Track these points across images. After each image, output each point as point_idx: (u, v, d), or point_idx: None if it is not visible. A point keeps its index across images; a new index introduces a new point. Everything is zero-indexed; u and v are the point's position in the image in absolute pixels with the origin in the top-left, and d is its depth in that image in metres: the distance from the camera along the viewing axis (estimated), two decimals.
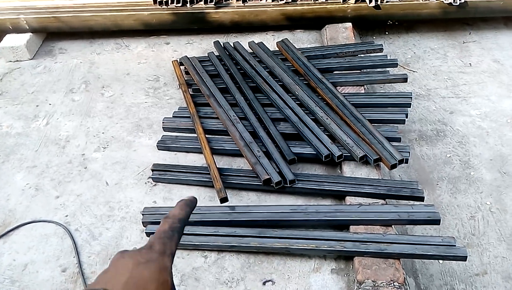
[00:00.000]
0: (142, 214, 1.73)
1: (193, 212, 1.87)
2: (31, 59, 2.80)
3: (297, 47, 2.52)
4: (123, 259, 0.51)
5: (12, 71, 2.71)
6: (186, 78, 2.44)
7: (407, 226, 1.83)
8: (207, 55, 2.59)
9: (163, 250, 0.53)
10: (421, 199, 1.70)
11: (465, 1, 2.77)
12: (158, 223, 1.67)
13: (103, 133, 2.21)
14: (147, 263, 0.50)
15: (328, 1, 2.78)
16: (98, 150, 2.12)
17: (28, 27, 2.83)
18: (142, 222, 1.71)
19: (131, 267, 0.50)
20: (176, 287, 0.59)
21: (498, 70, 2.68)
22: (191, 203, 0.63)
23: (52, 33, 2.96)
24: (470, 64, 2.75)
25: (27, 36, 2.82)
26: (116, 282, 0.48)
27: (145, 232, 1.68)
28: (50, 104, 2.42)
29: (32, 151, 2.13)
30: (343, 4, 2.77)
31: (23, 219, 1.81)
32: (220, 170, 1.85)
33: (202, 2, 2.80)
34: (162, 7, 2.79)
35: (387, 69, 2.37)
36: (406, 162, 1.83)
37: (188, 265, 1.58)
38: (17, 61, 2.78)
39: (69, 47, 2.90)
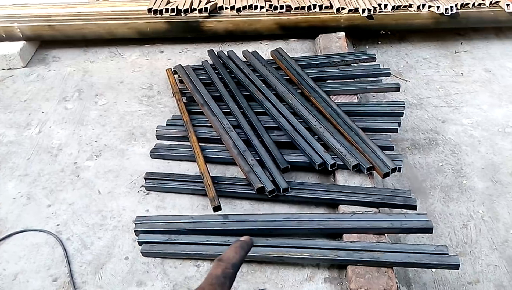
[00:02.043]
0: (135, 223, 1.71)
1: (185, 221, 1.84)
2: (24, 67, 2.80)
3: (290, 56, 2.54)
4: None
5: (5, 79, 2.70)
6: (180, 87, 2.44)
7: (400, 234, 1.83)
8: (201, 63, 2.60)
9: None
10: (414, 207, 1.71)
11: (456, 12, 2.81)
12: (150, 232, 1.67)
13: (96, 141, 2.20)
14: None
15: (322, 11, 2.81)
16: (91, 158, 2.11)
17: (21, 35, 2.82)
18: (135, 231, 1.70)
19: None
20: None
21: (489, 80, 2.71)
22: (247, 245, 0.60)
23: (46, 41, 2.96)
24: (461, 73, 2.78)
25: (20, 44, 2.81)
26: None
27: (137, 241, 1.67)
28: (42, 112, 2.41)
29: (24, 160, 2.12)
30: (336, 14, 2.79)
31: (14, 228, 1.79)
32: (213, 178, 1.85)
33: (197, 11, 2.81)
34: (157, 16, 2.80)
35: (380, 78, 2.39)
36: (399, 171, 1.84)
37: (180, 274, 1.57)
38: (10, 69, 2.78)
39: (63, 55, 2.90)
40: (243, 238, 0.60)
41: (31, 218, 1.83)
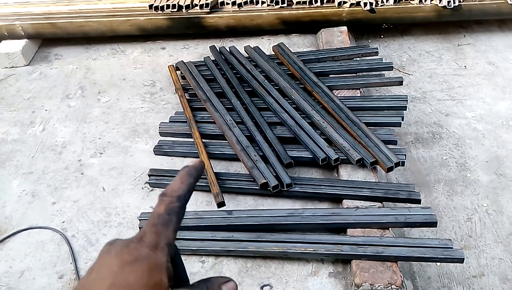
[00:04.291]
0: (139, 220, 1.72)
1: (189, 217, 1.84)
2: (27, 65, 2.80)
3: (292, 51, 2.53)
4: (108, 255, 0.43)
5: (8, 78, 2.71)
6: (182, 83, 2.44)
7: (404, 228, 1.83)
8: (203, 59, 2.59)
9: (155, 242, 0.43)
10: (418, 201, 1.71)
11: (459, 4, 2.79)
12: None
13: (99, 138, 2.21)
14: (134, 264, 0.41)
15: (324, 5, 2.79)
16: (95, 155, 2.11)
17: (23, 33, 2.82)
18: (139, 228, 1.71)
19: (115, 269, 0.41)
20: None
21: (492, 72, 2.69)
22: (196, 170, 0.49)
23: (48, 39, 2.96)
24: (465, 66, 2.77)
25: (22, 42, 2.82)
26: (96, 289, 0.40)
27: None
28: (46, 110, 2.42)
29: (28, 158, 2.13)
30: (338, 8, 2.78)
31: (19, 226, 1.80)
32: (217, 174, 1.85)
33: (198, 7, 2.81)
34: (158, 12, 2.80)
35: (383, 72, 2.38)
36: (403, 165, 1.83)
37: None
38: (13, 67, 2.78)
39: (65, 53, 2.90)
40: (192, 162, 0.50)
41: (36, 215, 1.84)
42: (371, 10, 2.78)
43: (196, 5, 2.81)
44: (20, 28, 2.80)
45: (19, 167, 2.08)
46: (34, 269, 1.64)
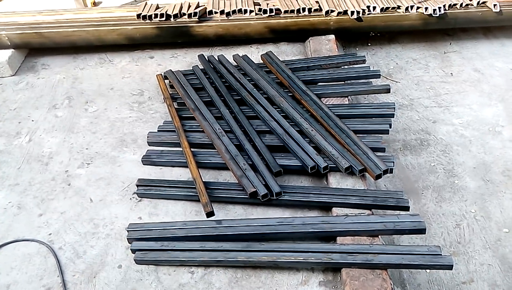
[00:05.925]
0: (127, 231, 1.70)
1: (178, 227, 1.83)
2: (13, 75, 2.77)
3: (281, 60, 2.54)
4: None
5: None
6: (170, 92, 2.44)
7: (393, 236, 1.84)
8: (191, 68, 2.59)
9: None
10: (407, 208, 1.71)
11: (445, 12, 2.83)
12: (143, 239, 1.66)
13: (87, 149, 2.19)
14: None
15: (311, 14, 2.81)
16: (82, 166, 2.09)
17: (10, 43, 2.80)
18: (128, 239, 1.69)
19: None
20: None
21: (478, 79, 2.73)
22: None
23: (35, 49, 2.94)
24: (451, 73, 2.80)
25: (9, 52, 2.79)
26: None
27: (131, 249, 1.66)
28: (32, 121, 2.39)
29: (15, 169, 2.10)
30: (326, 16, 2.80)
31: (5, 239, 1.77)
32: (206, 183, 1.84)
33: (186, 16, 2.81)
34: (146, 21, 2.79)
35: (370, 80, 2.40)
36: (391, 172, 1.85)
37: (174, 281, 1.56)
38: None
39: (52, 62, 2.88)
40: None
41: (23, 228, 1.81)
42: (358, 19, 2.81)
43: (184, 14, 2.81)
44: (6, 38, 2.78)
45: (5, 179, 2.05)
46: (20, 283, 1.61)
